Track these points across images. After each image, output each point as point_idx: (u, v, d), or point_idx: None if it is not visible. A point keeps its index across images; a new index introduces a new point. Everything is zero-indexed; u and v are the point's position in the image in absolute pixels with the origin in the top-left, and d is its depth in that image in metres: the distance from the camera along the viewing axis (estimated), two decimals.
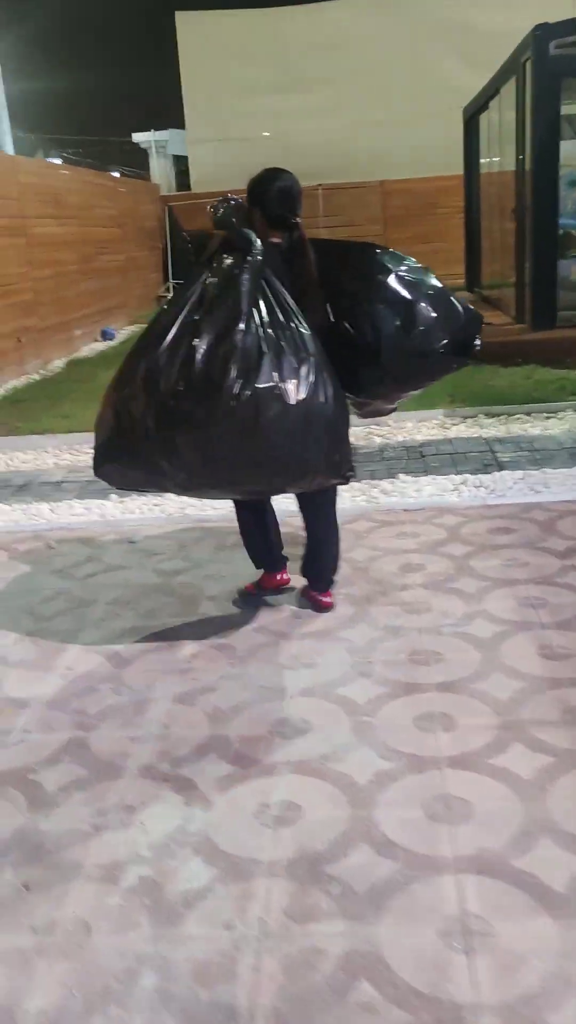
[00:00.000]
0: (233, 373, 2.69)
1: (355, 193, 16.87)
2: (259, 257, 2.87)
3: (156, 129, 18.61)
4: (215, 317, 2.78)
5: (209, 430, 2.73)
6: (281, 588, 3.65)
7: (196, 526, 4.58)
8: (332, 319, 3.03)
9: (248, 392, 2.69)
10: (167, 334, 2.80)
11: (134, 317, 14.80)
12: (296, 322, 2.86)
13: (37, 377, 9.83)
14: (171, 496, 5.03)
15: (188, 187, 19.00)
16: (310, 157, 17.90)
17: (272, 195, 3.04)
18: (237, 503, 3.50)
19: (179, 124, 17.37)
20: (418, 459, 5.61)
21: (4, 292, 9.59)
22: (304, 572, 3.54)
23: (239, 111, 16.82)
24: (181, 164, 18.95)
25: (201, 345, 2.73)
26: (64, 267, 11.57)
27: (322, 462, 2.95)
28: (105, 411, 3.02)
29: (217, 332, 2.75)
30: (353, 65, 16.73)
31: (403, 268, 3.08)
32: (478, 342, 3.14)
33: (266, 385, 2.72)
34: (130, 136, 18.33)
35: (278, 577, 3.65)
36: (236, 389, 2.69)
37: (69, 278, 11.75)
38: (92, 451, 3.17)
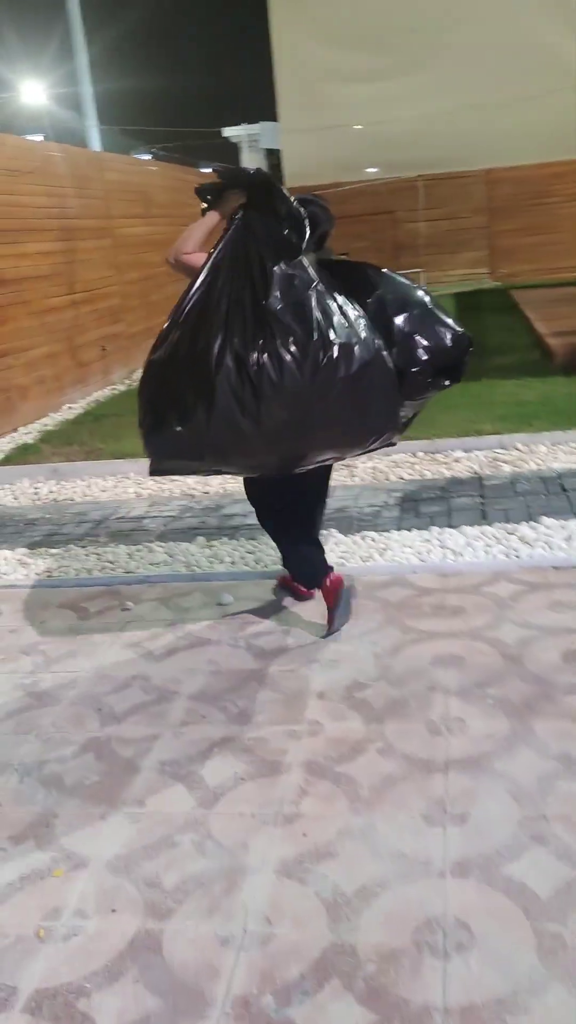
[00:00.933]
0: (316, 333, 2.83)
1: (458, 184, 15.88)
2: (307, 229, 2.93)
3: (248, 123, 17.95)
4: (285, 286, 2.86)
5: (303, 391, 2.83)
6: (306, 596, 3.62)
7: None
8: None
9: (334, 349, 2.84)
10: (222, 311, 2.86)
11: None
12: (352, 297, 3.00)
13: (122, 388, 9.23)
14: (268, 545, 4.29)
15: (281, 182, 18.27)
16: (409, 146, 16.95)
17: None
18: (268, 523, 3.55)
19: (272, 117, 16.68)
20: (560, 494, 4.70)
21: (89, 298, 9.02)
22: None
23: (335, 99, 15.98)
24: (274, 158, 18.24)
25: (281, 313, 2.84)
26: (151, 269, 10.96)
27: (394, 416, 3.10)
28: (160, 399, 2.97)
29: (295, 301, 2.85)
30: (456, 43, 15.73)
31: (392, 286, 3.10)
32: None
33: (344, 342, 2.86)
34: (220, 130, 17.73)
35: (307, 591, 3.60)
36: (322, 345, 2.83)
37: (156, 281, 11.13)
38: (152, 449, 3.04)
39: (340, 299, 2.94)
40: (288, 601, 3.64)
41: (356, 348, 2.88)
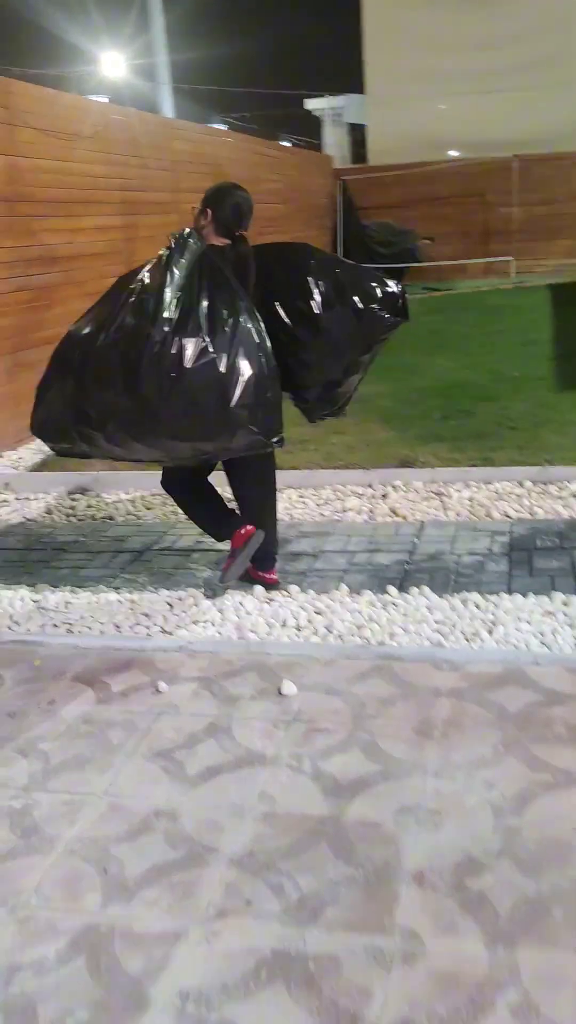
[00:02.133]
0: (167, 325, 3.03)
1: (558, 165, 14.61)
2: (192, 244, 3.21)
3: (332, 94, 16.88)
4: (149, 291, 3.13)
5: (139, 380, 3.03)
6: (252, 539, 3.49)
7: (379, 664, 2.91)
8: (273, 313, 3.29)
9: (175, 340, 3.01)
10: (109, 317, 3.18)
11: None
12: (235, 294, 3.15)
13: None
14: (343, 605, 3.39)
15: (364, 159, 17.21)
16: (504, 124, 15.72)
17: (227, 207, 3.34)
18: (175, 491, 3.74)
19: (357, 89, 15.63)
20: (497, 555, 3.70)
21: None
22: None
23: (426, 70, 14.86)
24: (357, 134, 17.19)
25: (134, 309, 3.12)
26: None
27: (248, 418, 3.07)
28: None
29: (156, 299, 3.09)
30: (564, 9, 14.45)
31: (326, 256, 3.58)
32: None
33: (193, 338, 3.01)
34: (302, 103, 16.71)
35: (243, 530, 3.50)
36: (159, 336, 3.02)
37: None
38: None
39: (238, 307, 3.11)
40: (369, 692, 2.75)
41: (203, 344, 3.01)
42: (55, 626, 3.48)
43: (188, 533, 4.39)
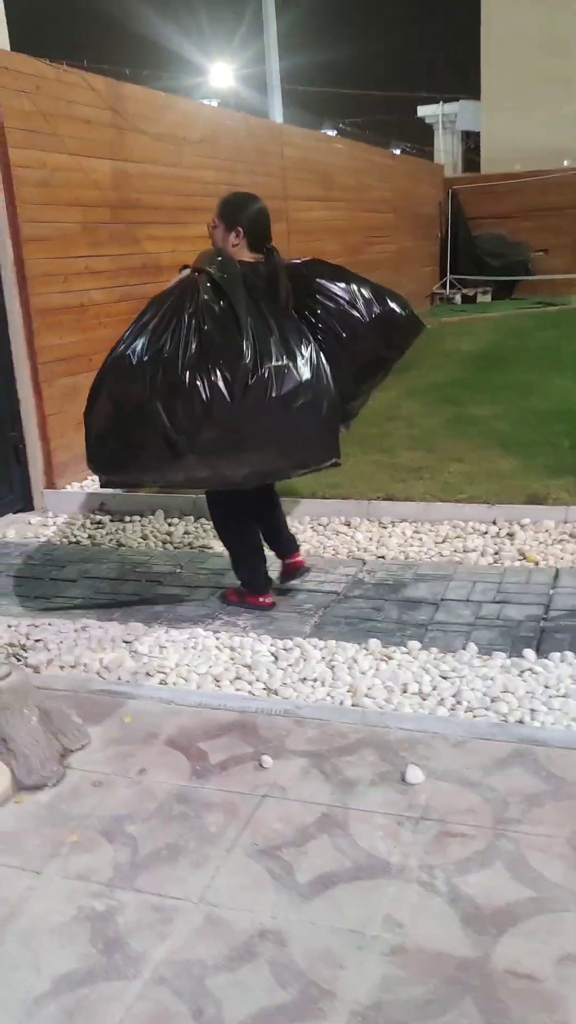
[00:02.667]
0: (249, 355, 2.94)
1: None
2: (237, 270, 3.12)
3: (446, 100, 16.37)
4: (217, 317, 3.00)
5: (232, 411, 2.92)
6: (266, 608, 3.57)
7: (520, 749, 2.48)
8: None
9: (264, 370, 2.95)
10: (166, 338, 2.98)
11: None
12: (288, 319, 3.14)
13: None
14: (473, 671, 2.97)
15: (477, 168, 16.64)
16: None
17: (255, 220, 3.25)
18: (228, 521, 3.58)
19: (473, 94, 15.10)
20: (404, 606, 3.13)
21: None
22: (277, 547, 3.71)
23: (546, 74, 14.24)
24: (471, 142, 16.63)
25: (215, 340, 2.96)
26: (328, 259, 9.73)
27: (327, 440, 3.15)
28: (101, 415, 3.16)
29: (225, 327, 2.98)
30: None
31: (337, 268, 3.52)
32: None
33: (278, 364, 2.97)
34: (415, 109, 16.26)
35: (265, 599, 3.61)
36: (252, 366, 2.94)
37: None
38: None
39: (288, 325, 3.09)
40: (508, 790, 2.32)
41: (290, 370, 2.99)
42: (148, 675, 3.15)
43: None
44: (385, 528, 4.43)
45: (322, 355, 3.11)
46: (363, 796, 2.36)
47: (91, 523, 4.89)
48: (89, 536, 4.68)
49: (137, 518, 4.86)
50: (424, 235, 14.17)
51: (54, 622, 3.62)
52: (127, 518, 4.89)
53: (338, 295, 3.29)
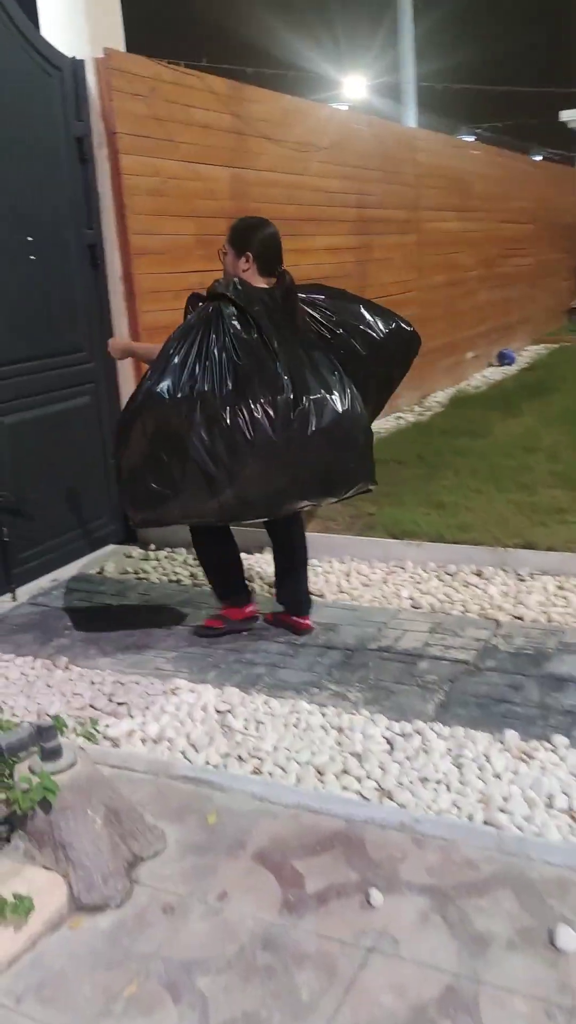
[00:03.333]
0: (288, 389, 2.90)
1: None
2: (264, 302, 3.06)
3: None
4: (249, 349, 2.94)
5: (276, 446, 2.89)
6: (249, 620, 3.56)
7: None
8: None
9: (305, 404, 2.92)
10: (195, 374, 2.93)
11: (539, 335, 12.03)
12: (315, 347, 3.10)
13: (411, 418, 7.51)
14: None
15: None
16: None
17: (265, 245, 3.19)
18: (204, 537, 3.56)
19: None
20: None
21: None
22: (284, 599, 3.59)
23: None
24: None
25: (251, 375, 2.91)
26: (460, 273, 9.15)
27: (365, 467, 3.17)
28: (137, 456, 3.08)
29: (259, 360, 2.93)
30: None
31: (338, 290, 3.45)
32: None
33: (316, 396, 2.95)
34: (557, 113, 15.39)
35: (248, 609, 3.58)
36: (294, 400, 2.90)
37: (465, 287, 9.31)
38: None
39: (315, 354, 3.05)
40: None
41: (328, 402, 2.96)
42: (240, 758, 2.69)
43: (415, 628, 3.50)
44: (523, 581, 3.85)
45: (351, 383, 3.07)
46: (499, 964, 1.83)
47: (193, 558, 4.49)
48: (191, 574, 4.28)
49: (244, 556, 4.43)
50: (563, 247, 13.35)
51: (142, 680, 3.22)
52: None
53: (351, 316, 3.25)
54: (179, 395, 2.90)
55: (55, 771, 2.18)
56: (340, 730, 2.79)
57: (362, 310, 3.28)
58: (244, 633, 3.53)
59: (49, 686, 3.22)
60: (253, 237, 3.18)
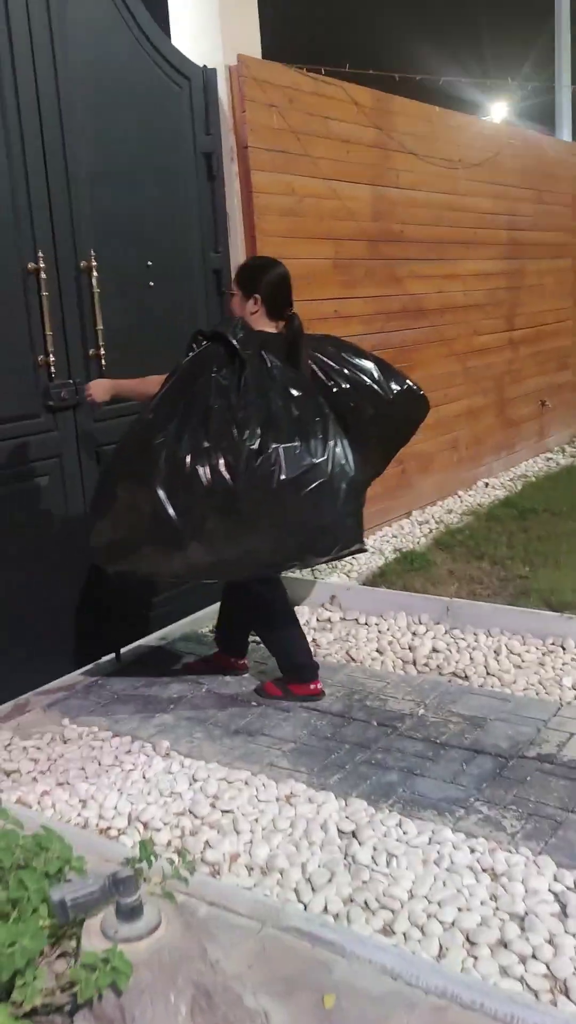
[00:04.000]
0: (253, 434, 2.72)
1: None
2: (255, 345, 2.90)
3: None
4: (227, 392, 2.80)
5: (235, 496, 2.70)
6: (313, 697, 3.20)
7: None
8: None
9: (270, 451, 2.71)
10: (173, 421, 2.79)
11: None
12: (308, 394, 2.89)
13: (562, 460, 6.81)
14: None
15: None
16: None
17: (273, 286, 3.04)
18: (280, 600, 3.26)
19: None
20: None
21: (532, 336, 6.75)
22: (227, 636, 3.51)
23: None
24: None
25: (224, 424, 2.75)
26: None
27: (348, 524, 2.91)
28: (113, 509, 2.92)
29: (230, 405, 2.77)
30: None
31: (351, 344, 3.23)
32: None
33: (289, 444, 2.73)
34: None
35: (312, 686, 3.22)
36: (258, 447, 2.71)
37: None
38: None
39: (305, 401, 2.85)
40: None
41: (301, 450, 2.75)
42: (367, 907, 2.15)
43: (535, 738, 2.88)
44: None
45: (342, 434, 2.88)
46: None
47: (318, 620, 3.99)
48: (313, 640, 3.77)
49: (374, 621, 3.90)
50: None
51: (253, 779, 2.72)
52: (361, 618, 3.94)
53: (362, 372, 3.09)
54: (156, 441, 2.75)
55: (132, 936, 1.71)
56: (494, 875, 2.21)
57: (373, 368, 3.12)
58: (255, 703, 3.25)
59: (146, 779, 2.77)
60: (261, 278, 3.02)
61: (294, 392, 2.85)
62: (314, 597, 4.18)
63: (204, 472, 2.71)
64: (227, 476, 2.70)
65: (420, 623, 3.82)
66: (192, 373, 2.85)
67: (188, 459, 2.72)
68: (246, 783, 2.70)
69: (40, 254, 3.25)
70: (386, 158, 4.94)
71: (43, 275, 3.26)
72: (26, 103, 3.16)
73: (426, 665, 3.48)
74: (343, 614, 4.03)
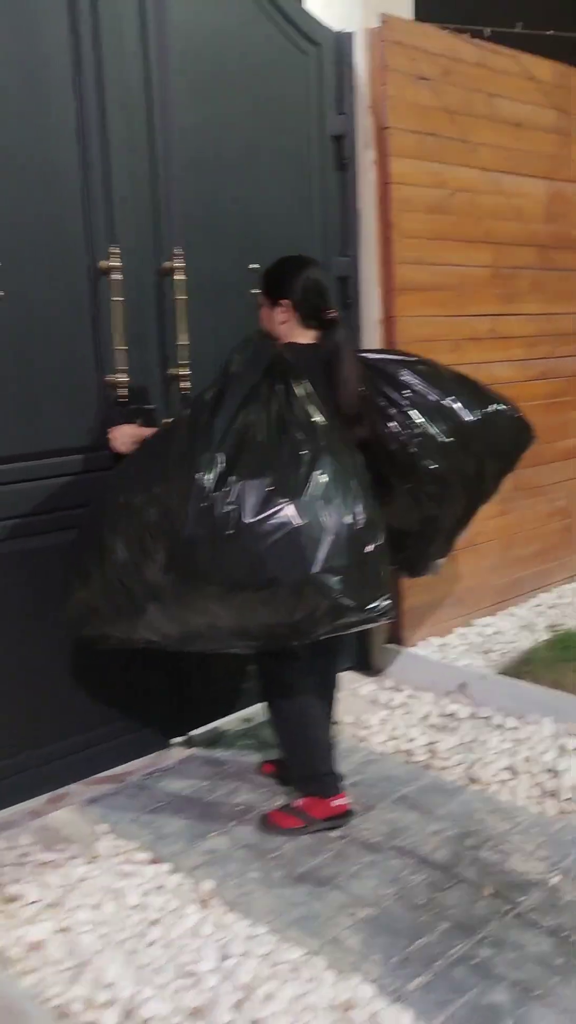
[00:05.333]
0: (208, 466, 2.12)
1: None
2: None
3: None
4: (195, 419, 2.24)
5: (185, 543, 2.12)
6: (338, 818, 2.50)
7: None
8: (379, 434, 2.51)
9: (228, 488, 2.10)
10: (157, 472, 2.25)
11: None
12: (313, 412, 2.24)
13: None
14: None
15: None
16: None
17: (304, 288, 2.45)
18: (301, 683, 2.51)
19: None
20: None
21: None
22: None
23: None
24: None
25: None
26: None
27: (340, 585, 2.12)
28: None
29: (195, 430, 2.21)
30: None
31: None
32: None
33: (259, 479, 2.10)
34: None
35: (336, 801, 2.51)
36: (214, 482, 2.10)
37: None
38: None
39: (299, 423, 2.20)
40: None
41: (272, 487, 2.09)
42: None
43: None
44: None
45: (351, 467, 2.23)
46: None
47: (439, 716, 3.20)
48: (429, 747, 2.98)
49: (511, 723, 3.06)
50: None
51: (303, 965, 1.98)
52: (495, 718, 3.12)
53: (432, 390, 2.56)
54: (119, 486, 2.33)
55: None
56: None
57: (452, 385, 2.60)
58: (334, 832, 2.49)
59: (168, 942, 2.08)
60: (291, 280, 2.45)
61: (284, 413, 2.21)
62: (439, 681, 3.39)
63: (158, 515, 2.18)
64: (175, 515, 2.13)
65: (571, 735, 2.95)
66: (184, 415, 2.35)
67: (139, 499, 2.22)
68: (294, 970, 1.97)
69: (115, 248, 2.66)
70: (567, 147, 4.07)
71: (118, 275, 2.67)
72: (114, 69, 2.59)
73: (571, 800, 2.62)
74: (474, 710, 3.21)
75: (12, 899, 2.27)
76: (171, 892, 2.27)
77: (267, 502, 2.09)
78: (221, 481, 2.10)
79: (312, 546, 2.08)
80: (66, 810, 2.69)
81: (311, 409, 2.24)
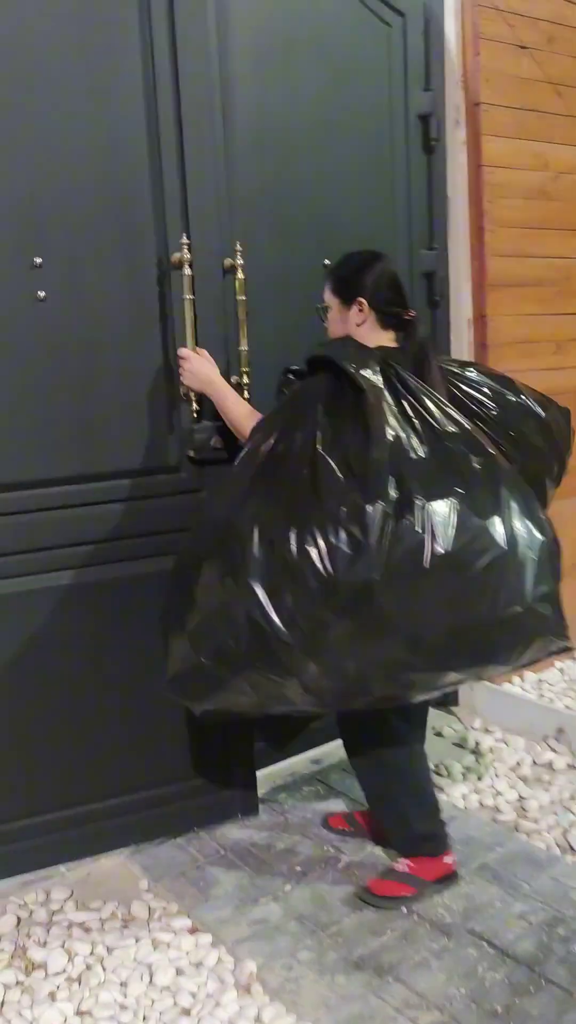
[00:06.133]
0: (389, 490, 1.76)
1: None
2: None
3: None
4: (343, 440, 1.88)
5: (370, 585, 1.72)
6: (449, 879, 2.23)
7: None
8: None
9: (414, 514, 1.74)
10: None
11: None
12: (460, 428, 1.94)
13: None
14: None
15: None
16: None
17: (379, 286, 2.15)
18: (363, 739, 2.26)
19: None
20: None
21: None
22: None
23: None
24: None
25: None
26: None
27: (545, 612, 1.84)
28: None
29: (345, 457, 1.85)
30: None
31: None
32: None
33: (441, 500, 1.76)
34: None
35: (446, 859, 2.25)
36: (395, 508, 1.75)
37: None
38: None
39: (447, 434, 1.89)
40: None
41: (464, 508, 1.76)
42: None
43: None
44: None
45: (517, 479, 1.90)
46: None
47: (532, 766, 2.83)
48: (519, 804, 2.62)
49: None
50: None
51: None
52: None
53: (514, 397, 2.19)
54: (242, 514, 1.86)
55: None
56: None
57: (523, 391, 2.25)
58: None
59: None
60: (363, 276, 2.14)
61: (444, 425, 1.90)
62: (535, 724, 3.01)
63: (319, 557, 1.76)
64: (352, 557, 1.73)
65: None
66: (294, 419, 1.95)
67: (293, 537, 1.78)
68: None
69: (187, 239, 2.38)
70: None
71: (189, 270, 2.39)
72: (187, 39, 2.34)
73: None
74: (573, 761, 2.83)
75: (36, 967, 2.04)
76: (209, 971, 2.00)
77: (462, 526, 1.76)
78: (404, 507, 1.76)
79: (520, 570, 1.79)
80: (109, 859, 2.45)
81: (456, 416, 1.95)
